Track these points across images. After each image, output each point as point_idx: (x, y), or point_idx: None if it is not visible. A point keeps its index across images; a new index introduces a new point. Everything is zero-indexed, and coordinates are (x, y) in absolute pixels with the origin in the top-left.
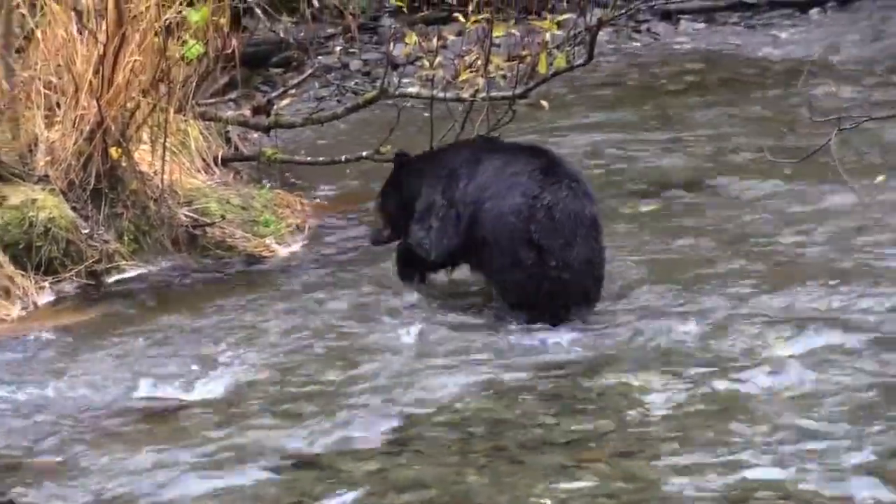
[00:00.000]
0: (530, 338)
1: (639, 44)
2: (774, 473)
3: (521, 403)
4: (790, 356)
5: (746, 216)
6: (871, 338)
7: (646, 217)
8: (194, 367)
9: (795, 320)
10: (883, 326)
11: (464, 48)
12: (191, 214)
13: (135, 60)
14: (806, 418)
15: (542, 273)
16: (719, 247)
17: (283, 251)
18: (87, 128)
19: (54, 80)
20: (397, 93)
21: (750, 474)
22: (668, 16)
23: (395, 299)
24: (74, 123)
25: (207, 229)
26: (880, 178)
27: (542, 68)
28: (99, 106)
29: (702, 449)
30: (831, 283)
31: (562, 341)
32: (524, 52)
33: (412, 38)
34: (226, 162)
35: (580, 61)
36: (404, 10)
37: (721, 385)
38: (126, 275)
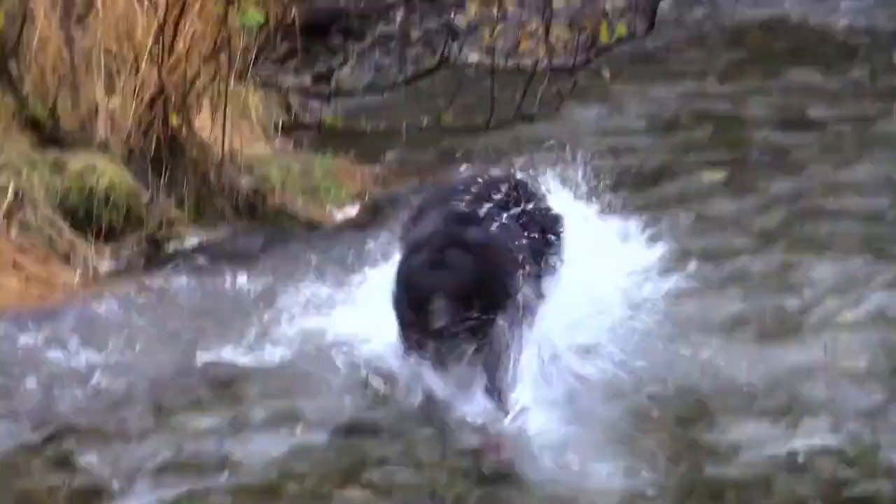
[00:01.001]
0: None
1: (700, 15)
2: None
3: None
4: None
5: None
6: None
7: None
8: (255, 334)
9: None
10: None
11: (524, 17)
12: (251, 182)
13: (195, 29)
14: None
15: None
16: None
17: (342, 219)
18: (148, 96)
19: (114, 48)
20: (458, 62)
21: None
22: None
23: None
24: (135, 91)
25: (267, 197)
26: None
27: (603, 37)
28: (159, 74)
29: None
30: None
31: None
32: (585, 21)
33: (473, 6)
34: (286, 130)
35: (641, 29)
36: None
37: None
38: (186, 242)
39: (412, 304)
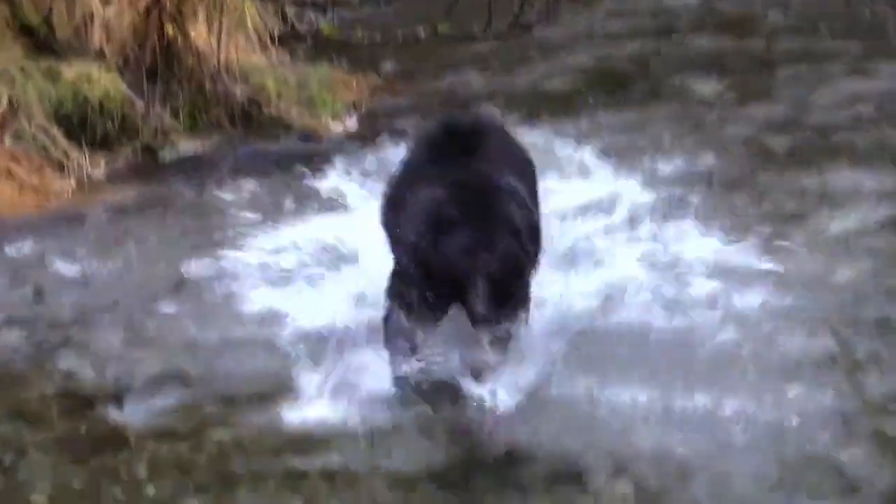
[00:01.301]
0: None
1: None
2: None
3: None
4: None
5: None
6: None
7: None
8: (252, 242)
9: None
10: None
11: None
12: (246, 92)
13: None
14: None
15: None
16: None
17: (338, 129)
18: (143, 5)
19: None
20: None
21: None
22: None
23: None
24: (130, 0)
25: (263, 107)
26: None
27: None
28: None
29: None
30: None
31: None
32: None
33: None
34: (282, 41)
35: None
36: None
37: None
38: (181, 151)
39: (447, 284)
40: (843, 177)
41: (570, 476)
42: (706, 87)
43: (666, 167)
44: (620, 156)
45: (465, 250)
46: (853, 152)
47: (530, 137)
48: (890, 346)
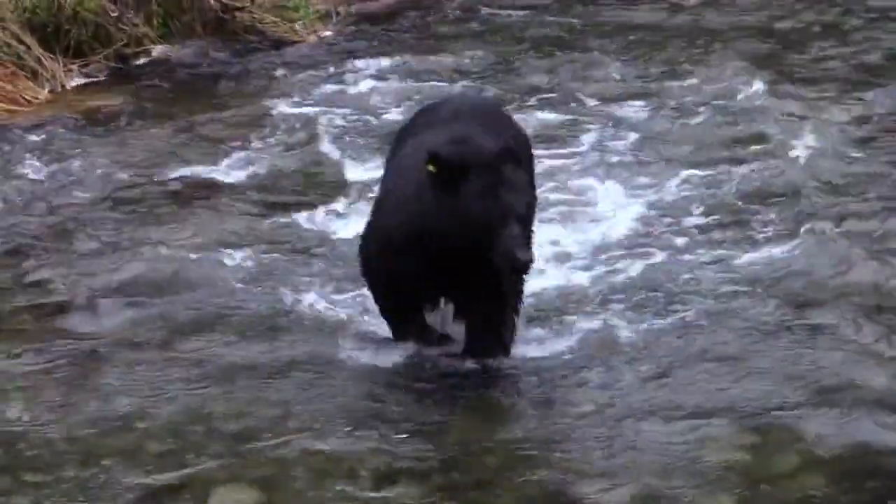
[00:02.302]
0: None
1: None
2: None
3: None
4: None
5: None
6: None
7: None
8: (221, 152)
9: None
10: None
11: None
12: None
13: None
14: None
15: None
16: None
17: (311, 37)
18: None
19: None
20: None
21: None
22: None
23: (419, 93)
24: None
25: (236, 14)
26: None
27: None
28: None
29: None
30: None
31: None
32: None
33: None
34: None
35: None
36: None
37: None
38: (154, 58)
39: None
40: None
41: None
42: None
43: None
44: None
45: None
46: None
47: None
48: None
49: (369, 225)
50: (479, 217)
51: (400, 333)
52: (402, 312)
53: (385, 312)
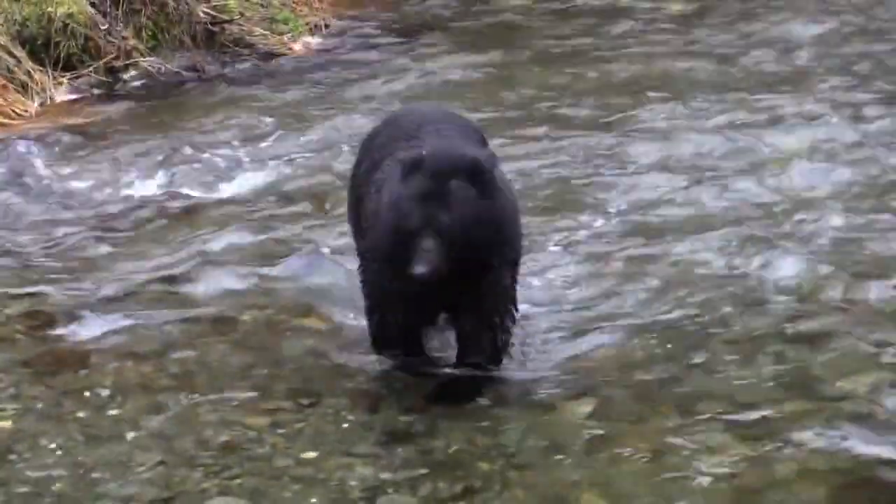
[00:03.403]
0: None
1: None
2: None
3: None
4: None
5: None
6: None
7: None
8: (211, 166)
9: None
10: None
11: None
12: (209, 11)
13: None
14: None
15: None
16: None
17: (300, 49)
18: None
19: None
20: None
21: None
22: None
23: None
24: None
25: (226, 26)
26: None
27: None
28: None
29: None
30: None
31: None
32: None
33: None
34: None
35: None
36: None
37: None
38: (144, 71)
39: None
40: None
41: None
42: None
43: None
44: None
45: None
46: None
47: None
48: None
49: (370, 242)
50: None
51: (393, 348)
52: (400, 328)
53: (384, 329)
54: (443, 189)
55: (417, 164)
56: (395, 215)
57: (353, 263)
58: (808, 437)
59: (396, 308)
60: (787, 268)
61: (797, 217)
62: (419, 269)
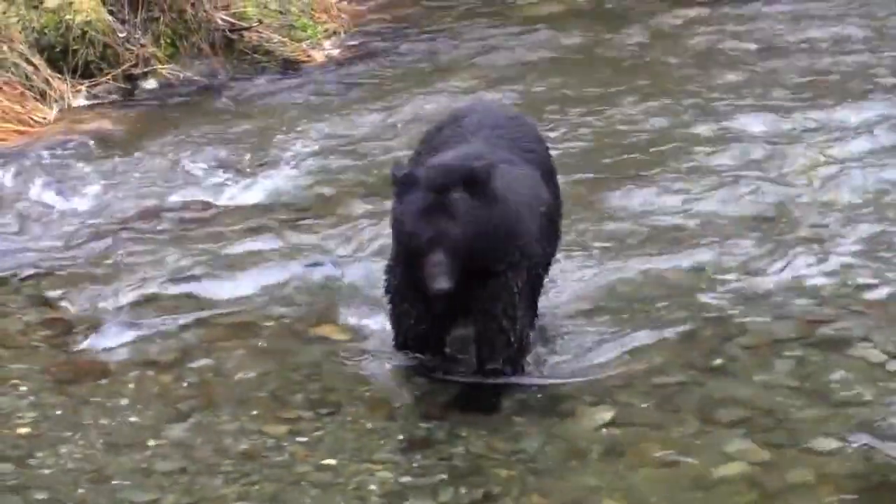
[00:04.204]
0: None
1: None
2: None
3: None
4: None
5: None
6: None
7: None
8: (229, 174)
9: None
10: None
11: None
12: (228, 18)
13: None
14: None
15: None
16: None
17: (319, 56)
18: None
19: None
20: None
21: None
22: None
23: (429, 108)
24: None
25: (244, 33)
26: None
27: None
28: None
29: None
30: None
31: None
32: None
33: None
34: None
35: None
36: None
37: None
38: (162, 79)
39: None
40: None
41: None
42: None
43: None
44: None
45: None
46: None
47: None
48: None
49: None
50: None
51: (414, 349)
52: (420, 331)
53: (405, 331)
54: (443, 202)
55: (413, 179)
56: (400, 231)
57: (370, 268)
58: (827, 442)
59: (414, 313)
60: (807, 273)
61: (817, 222)
62: (436, 284)
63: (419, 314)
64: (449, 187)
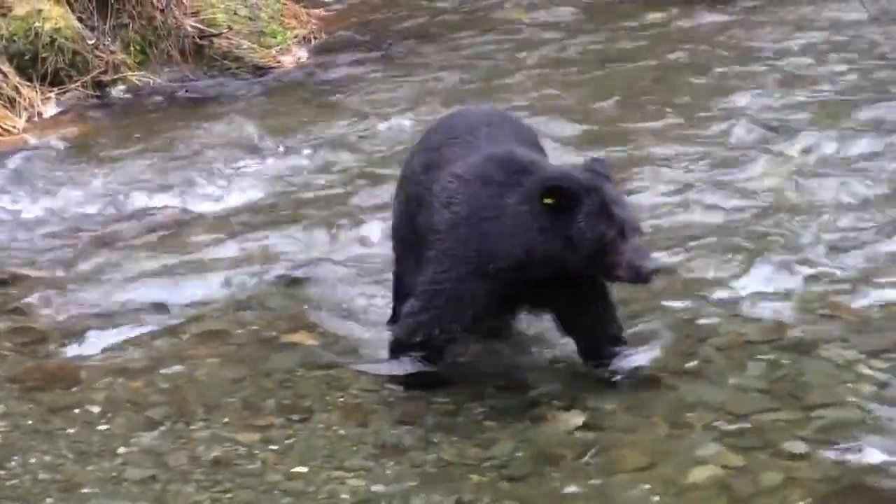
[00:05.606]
0: None
1: None
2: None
3: None
4: None
5: None
6: None
7: None
8: (198, 180)
9: None
10: None
11: None
12: (197, 25)
13: None
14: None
15: None
16: None
17: (289, 62)
18: None
19: None
20: None
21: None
22: None
23: (399, 114)
24: None
25: (214, 40)
26: None
27: None
28: None
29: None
30: None
31: None
32: None
33: None
34: None
35: None
36: None
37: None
38: (132, 85)
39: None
40: None
41: None
42: None
43: None
44: None
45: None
46: None
47: None
48: None
49: (447, 250)
50: (599, 237)
51: (421, 350)
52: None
53: (422, 331)
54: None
55: (578, 181)
56: (594, 227)
57: (342, 273)
58: (798, 445)
59: (463, 313)
60: (778, 276)
61: (787, 226)
62: (655, 264)
63: (463, 318)
64: (611, 180)
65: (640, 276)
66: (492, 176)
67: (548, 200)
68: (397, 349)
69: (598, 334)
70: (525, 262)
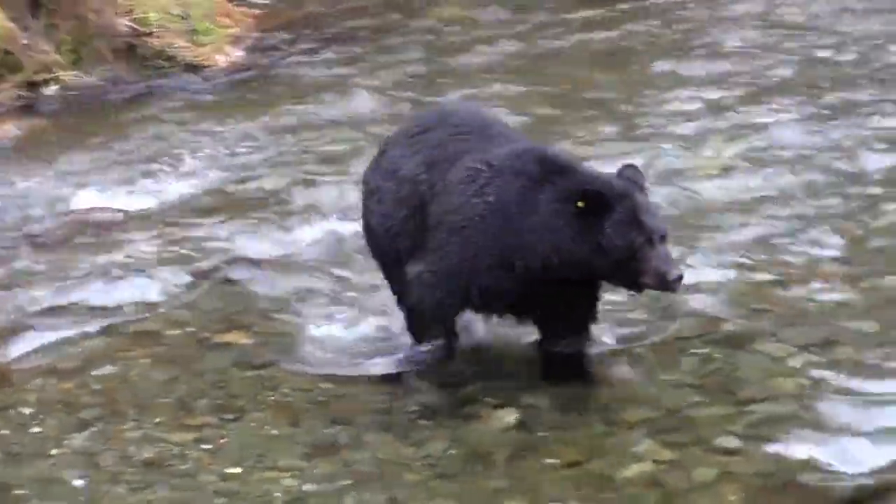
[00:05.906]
0: None
1: None
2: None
3: None
4: None
5: None
6: None
7: None
8: (133, 179)
9: None
10: None
11: None
12: (130, 24)
13: None
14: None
15: None
16: None
17: (222, 60)
18: None
19: None
20: None
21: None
22: None
23: (335, 110)
24: None
25: (146, 39)
26: None
27: None
28: None
29: None
30: None
31: None
32: None
33: None
34: None
35: None
36: None
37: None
38: (65, 85)
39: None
40: None
41: None
42: None
43: None
44: None
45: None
46: None
47: None
48: None
49: (469, 238)
50: (629, 244)
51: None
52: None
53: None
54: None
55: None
56: (624, 234)
57: (275, 272)
58: (731, 440)
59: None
60: (709, 270)
61: (718, 220)
62: (680, 270)
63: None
64: (643, 187)
65: (665, 284)
66: (528, 170)
67: (580, 204)
68: (420, 332)
69: (573, 328)
70: (551, 263)
